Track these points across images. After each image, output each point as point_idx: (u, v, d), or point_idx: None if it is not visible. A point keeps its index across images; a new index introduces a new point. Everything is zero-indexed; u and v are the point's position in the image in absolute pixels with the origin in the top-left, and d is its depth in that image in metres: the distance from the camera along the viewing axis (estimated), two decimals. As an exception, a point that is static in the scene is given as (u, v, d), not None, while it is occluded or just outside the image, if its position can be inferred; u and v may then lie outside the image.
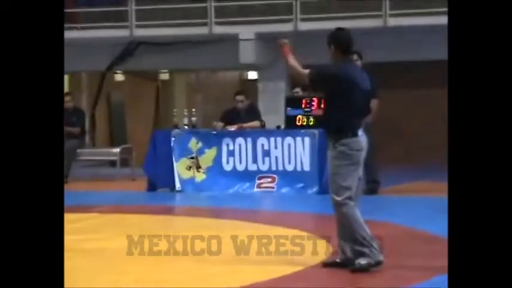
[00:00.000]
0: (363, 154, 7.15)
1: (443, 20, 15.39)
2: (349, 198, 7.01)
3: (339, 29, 7.47)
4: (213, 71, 19.82)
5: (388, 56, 16.00)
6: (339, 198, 7.01)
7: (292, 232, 9.25)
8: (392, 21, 16.11)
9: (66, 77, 19.72)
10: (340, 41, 7.19)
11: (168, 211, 12.16)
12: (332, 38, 7.21)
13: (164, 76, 20.48)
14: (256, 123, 13.89)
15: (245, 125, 13.72)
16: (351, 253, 7.06)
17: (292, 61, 7.41)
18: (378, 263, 6.98)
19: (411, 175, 15.01)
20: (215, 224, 10.56)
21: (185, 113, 14.00)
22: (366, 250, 6.97)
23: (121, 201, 12.69)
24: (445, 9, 15.60)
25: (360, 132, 7.13)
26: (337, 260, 7.22)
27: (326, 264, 7.31)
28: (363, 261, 6.94)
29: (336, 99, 7.13)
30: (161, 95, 20.82)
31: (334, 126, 7.13)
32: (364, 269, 6.93)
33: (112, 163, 16.47)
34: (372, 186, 12.04)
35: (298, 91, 13.85)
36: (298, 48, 16.20)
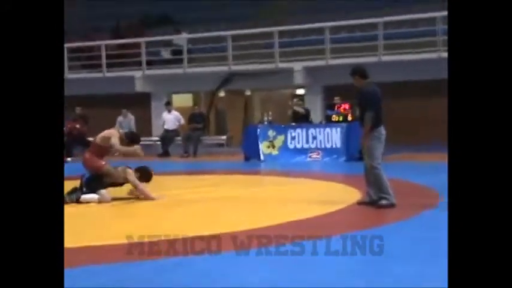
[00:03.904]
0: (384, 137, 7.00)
1: (416, 56, 15.41)
2: (379, 163, 6.91)
3: (357, 65, 7.37)
4: (276, 90, 19.63)
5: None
6: (373, 164, 6.88)
7: (333, 184, 9.29)
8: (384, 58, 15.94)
9: (190, 95, 20.03)
10: (361, 72, 7.05)
11: (259, 172, 12.08)
12: (355, 70, 7.07)
13: (247, 93, 20.36)
14: (301, 110, 13.99)
15: (296, 108, 13.86)
16: (376, 196, 6.92)
17: (366, 132, 6.91)
18: (393, 205, 6.83)
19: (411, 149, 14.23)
20: (285, 179, 10.28)
21: (265, 115, 13.98)
22: (386, 196, 6.86)
23: (230, 167, 12.56)
24: (419, 50, 15.52)
25: (382, 124, 6.98)
26: (366, 201, 7.05)
27: (360, 203, 7.13)
28: (384, 201, 6.84)
29: (371, 106, 6.89)
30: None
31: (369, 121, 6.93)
32: (385, 207, 6.81)
33: (220, 145, 16.53)
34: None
35: (337, 99, 13.71)
36: (328, 74, 16.50)
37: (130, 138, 8.41)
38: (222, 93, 19.36)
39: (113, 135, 8.20)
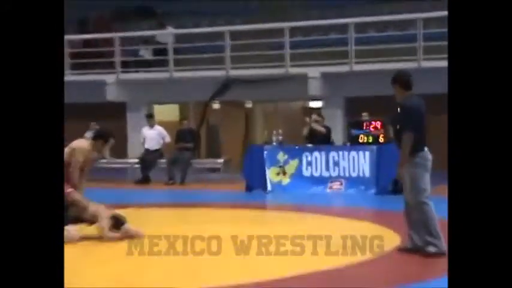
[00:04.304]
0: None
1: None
2: (427, 197, 6.87)
3: (400, 71, 7.32)
4: (285, 101, 19.60)
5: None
6: (420, 199, 6.84)
7: (361, 223, 9.24)
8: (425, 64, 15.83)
9: (177, 107, 19.97)
10: (402, 80, 7.04)
11: (266, 206, 12.03)
12: (395, 78, 7.07)
13: (248, 105, 20.38)
14: (322, 129, 14.16)
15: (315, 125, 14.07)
16: (421, 242, 6.87)
17: (404, 157, 6.96)
18: (443, 253, 6.69)
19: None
20: (298, 216, 10.22)
21: (274, 133, 13.95)
22: (435, 241, 6.81)
23: (227, 198, 12.56)
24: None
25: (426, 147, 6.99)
26: (408, 247, 7.01)
27: (401, 249, 7.10)
28: (432, 249, 6.79)
29: (412, 125, 6.88)
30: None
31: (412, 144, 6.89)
32: (433, 255, 6.74)
33: (214, 170, 16.43)
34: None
35: (365, 115, 13.68)
36: (353, 83, 16.45)
37: (102, 137, 8.40)
38: (216, 105, 19.37)
39: (76, 149, 8.11)
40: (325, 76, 16.95)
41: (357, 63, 16.49)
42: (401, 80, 7.05)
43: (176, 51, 18.30)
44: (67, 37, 18.80)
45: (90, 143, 8.38)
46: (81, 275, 6.33)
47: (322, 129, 14.15)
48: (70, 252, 7.30)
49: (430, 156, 6.98)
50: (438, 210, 6.95)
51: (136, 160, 16.15)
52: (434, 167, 7.08)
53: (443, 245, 6.78)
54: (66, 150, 8.14)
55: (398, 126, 7.08)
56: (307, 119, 14.52)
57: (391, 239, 7.67)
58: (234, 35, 17.67)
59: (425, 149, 6.97)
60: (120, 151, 17.61)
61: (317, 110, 16.94)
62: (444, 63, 14.94)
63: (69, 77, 18.60)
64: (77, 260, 7.20)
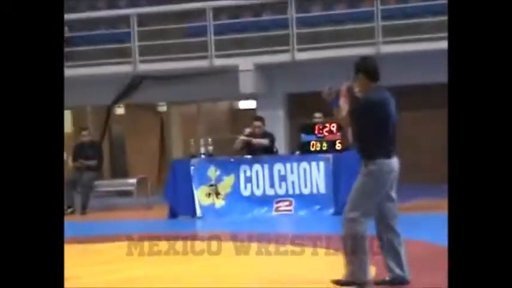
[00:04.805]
0: (394, 176, 6.93)
1: (434, 45, 15.47)
2: (363, 215, 6.78)
3: (365, 58, 7.39)
4: (210, 102, 19.53)
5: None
6: (351, 214, 6.80)
7: (321, 253, 9.10)
8: (385, 49, 15.94)
9: (68, 113, 19.61)
10: (368, 69, 7.02)
11: (195, 236, 11.73)
12: (359, 66, 7.06)
13: (162, 108, 20.29)
14: (264, 141, 13.78)
15: (254, 140, 13.65)
16: (399, 270, 6.92)
17: (343, 104, 7.14)
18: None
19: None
20: (238, 248, 9.96)
21: (202, 143, 13.89)
22: (358, 278, 6.77)
23: (144, 228, 12.39)
24: (435, 35, 15.64)
25: (394, 155, 6.95)
26: (387, 279, 7.00)
27: (377, 282, 7.03)
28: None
29: (372, 124, 6.87)
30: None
31: (369, 147, 6.89)
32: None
33: (125, 193, 16.25)
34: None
35: (318, 116, 13.54)
36: (296, 76, 16.36)
37: None
38: (121, 109, 19.32)
39: None
40: (260, 68, 16.95)
41: (300, 50, 16.50)
42: (368, 67, 7.04)
43: (66, 41, 17.76)
44: None
45: None
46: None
47: (265, 142, 13.78)
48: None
49: (394, 168, 6.92)
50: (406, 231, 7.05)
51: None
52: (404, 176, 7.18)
53: (367, 276, 6.86)
54: None
55: (358, 127, 7.10)
56: (249, 130, 14.13)
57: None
58: (142, 20, 17.56)
59: (392, 157, 6.92)
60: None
61: (252, 111, 16.81)
62: (408, 47, 15.55)
63: None
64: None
